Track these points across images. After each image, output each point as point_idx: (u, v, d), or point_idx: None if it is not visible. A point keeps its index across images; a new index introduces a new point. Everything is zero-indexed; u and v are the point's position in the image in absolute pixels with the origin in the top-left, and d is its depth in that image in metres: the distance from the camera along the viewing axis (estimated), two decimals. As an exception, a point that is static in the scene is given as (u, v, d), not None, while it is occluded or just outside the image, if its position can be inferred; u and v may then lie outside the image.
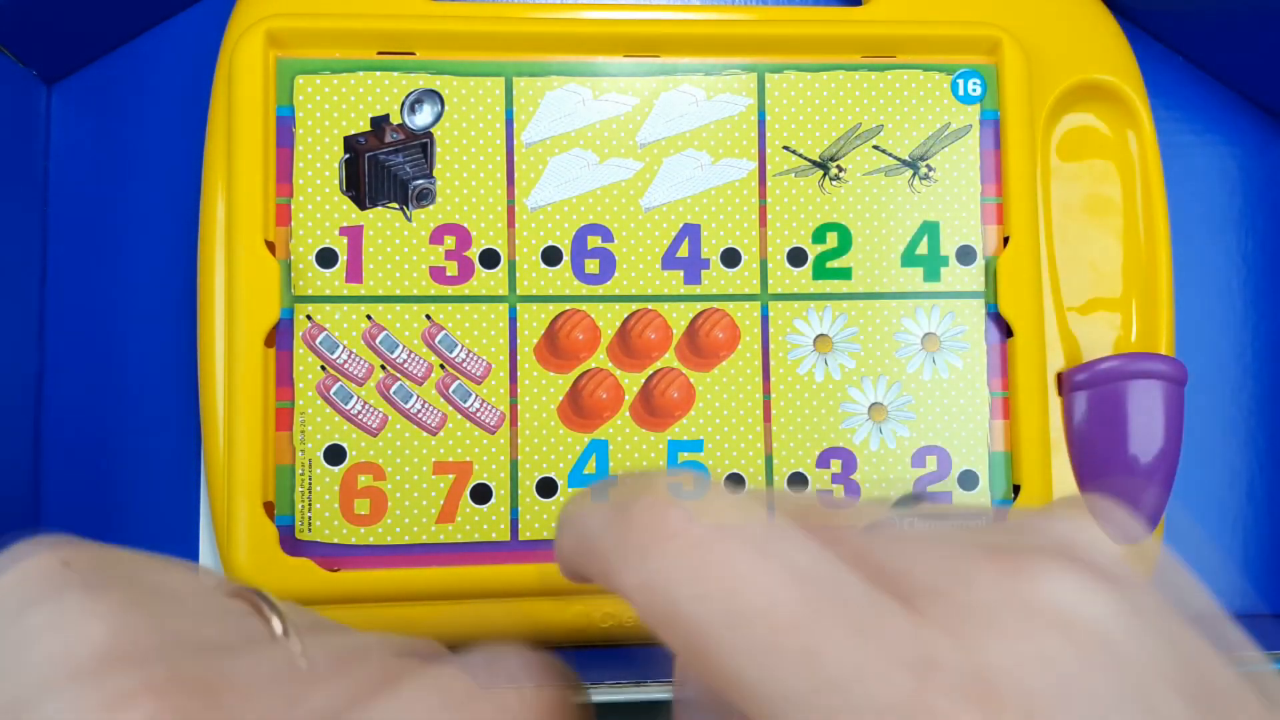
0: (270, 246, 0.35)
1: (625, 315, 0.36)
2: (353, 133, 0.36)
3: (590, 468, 0.36)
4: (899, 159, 0.37)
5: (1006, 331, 0.37)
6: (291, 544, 0.34)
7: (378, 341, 0.35)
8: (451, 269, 0.36)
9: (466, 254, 0.36)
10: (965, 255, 0.37)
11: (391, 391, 0.35)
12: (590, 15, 0.36)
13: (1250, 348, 0.41)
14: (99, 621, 0.15)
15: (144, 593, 0.16)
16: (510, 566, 0.35)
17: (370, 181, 0.36)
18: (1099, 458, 0.37)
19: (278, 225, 0.35)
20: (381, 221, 0.36)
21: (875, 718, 0.13)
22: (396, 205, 0.36)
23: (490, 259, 0.36)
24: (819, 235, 0.37)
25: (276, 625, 0.17)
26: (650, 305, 0.36)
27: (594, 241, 0.36)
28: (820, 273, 0.37)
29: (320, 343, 0.35)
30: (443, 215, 0.36)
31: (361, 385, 0.35)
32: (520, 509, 0.35)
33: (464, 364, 0.36)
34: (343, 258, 0.35)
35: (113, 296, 0.38)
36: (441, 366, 0.35)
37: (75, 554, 0.17)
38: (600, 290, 0.36)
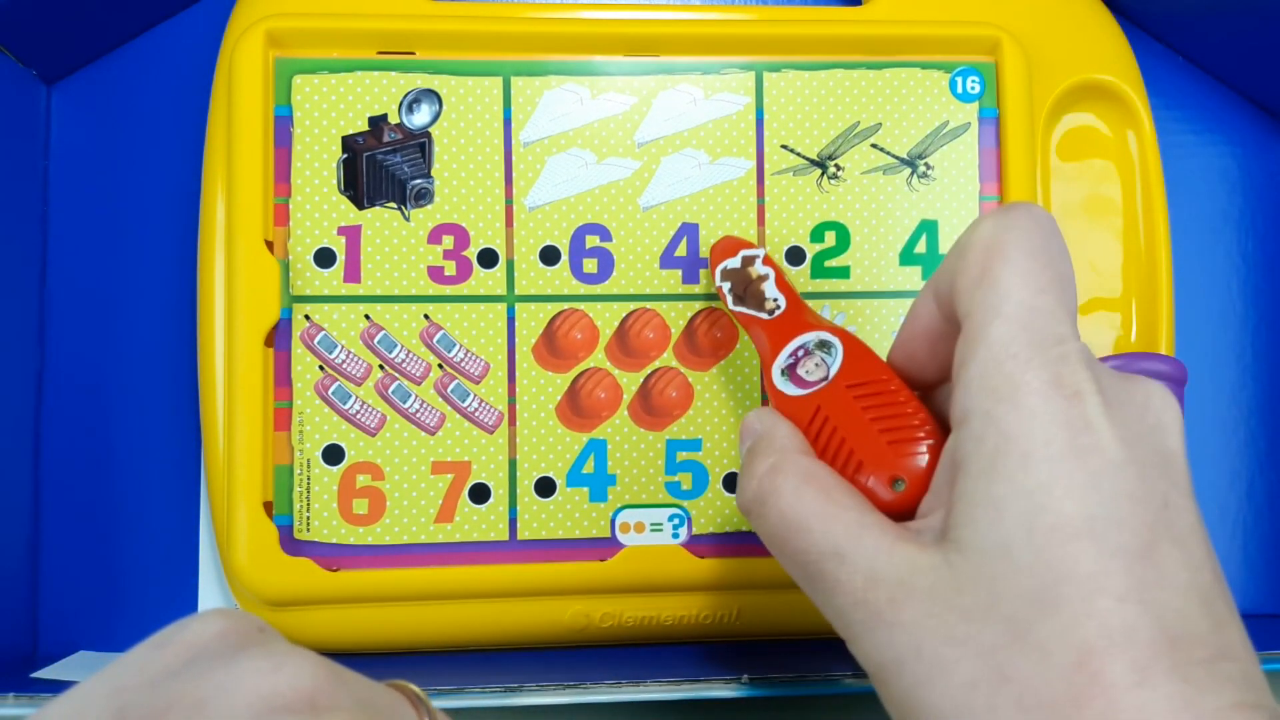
0: (269, 246, 0.35)
1: (624, 314, 0.36)
2: (351, 132, 0.36)
3: (589, 467, 0.36)
4: (897, 157, 0.37)
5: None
6: (291, 544, 0.34)
7: (376, 341, 0.35)
8: (450, 268, 0.36)
9: (465, 253, 0.36)
10: (964, 255, 0.37)
11: (390, 391, 0.35)
12: (589, 15, 0.36)
13: (1250, 348, 0.41)
14: (305, 673, 0.17)
15: (331, 664, 0.18)
16: (509, 566, 0.35)
17: (368, 181, 0.36)
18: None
19: (276, 225, 0.35)
20: (380, 221, 0.36)
21: None
22: (395, 205, 0.36)
23: (488, 258, 0.36)
24: (817, 234, 0.37)
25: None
26: (648, 304, 0.36)
27: (592, 241, 0.36)
28: (819, 271, 0.37)
29: (318, 342, 0.35)
30: (441, 215, 0.36)
31: (360, 385, 0.35)
32: (519, 509, 0.35)
33: (462, 363, 0.36)
34: (341, 257, 0.35)
35: (113, 296, 0.38)
36: (440, 366, 0.35)
37: (263, 623, 0.19)
38: (598, 290, 0.36)
